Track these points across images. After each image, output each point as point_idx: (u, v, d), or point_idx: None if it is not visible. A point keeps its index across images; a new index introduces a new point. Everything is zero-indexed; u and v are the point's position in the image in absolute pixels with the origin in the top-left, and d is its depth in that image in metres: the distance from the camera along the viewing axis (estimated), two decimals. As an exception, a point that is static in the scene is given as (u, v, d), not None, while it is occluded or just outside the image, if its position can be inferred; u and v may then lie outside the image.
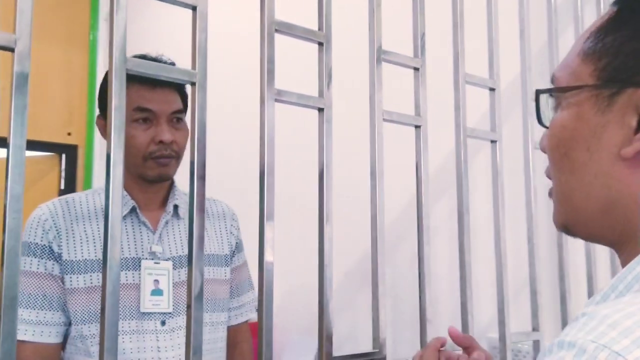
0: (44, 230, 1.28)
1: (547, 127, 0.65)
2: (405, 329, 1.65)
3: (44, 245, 1.28)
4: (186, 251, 1.39)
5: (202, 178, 0.80)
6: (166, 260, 1.36)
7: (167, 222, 1.39)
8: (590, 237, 0.63)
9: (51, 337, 1.27)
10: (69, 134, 3.74)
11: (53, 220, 1.29)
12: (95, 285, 1.28)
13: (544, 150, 0.66)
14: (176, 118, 1.35)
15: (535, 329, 1.24)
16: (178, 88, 1.37)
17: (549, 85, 0.65)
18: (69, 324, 1.28)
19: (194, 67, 0.82)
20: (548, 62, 1.39)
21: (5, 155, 0.65)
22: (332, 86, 0.95)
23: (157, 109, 1.27)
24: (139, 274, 1.34)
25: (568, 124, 0.59)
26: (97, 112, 1.41)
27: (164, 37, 2.29)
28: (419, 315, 1.04)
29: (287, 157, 1.84)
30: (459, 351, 0.95)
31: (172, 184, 1.43)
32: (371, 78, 1.01)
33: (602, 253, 1.46)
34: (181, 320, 1.35)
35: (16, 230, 0.64)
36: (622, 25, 0.57)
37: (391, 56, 1.03)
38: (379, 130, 1.00)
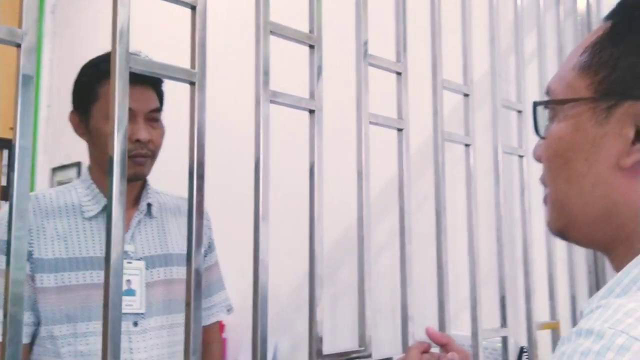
0: None
1: (543, 138, 0.68)
2: (381, 327, 1.68)
3: None
4: (158, 251, 1.37)
5: (201, 177, 0.80)
6: (138, 260, 1.34)
7: (139, 221, 1.37)
8: (584, 241, 0.66)
9: None
10: (12, 128, 3.59)
11: None
12: (66, 285, 1.25)
13: (539, 160, 0.69)
14: (153, 116, 1.33)
15: (503, 325, 1.29)
16: (155, 86, 1.35)
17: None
18: (38, 324, 1.24)
19: (192, 66, 0.81)
20: (514, 69, 1.45)
21: None
22: (322, 88, 0.96)
23: (135, 106, 1.25)
24: None
25: (566, 135, 0.63)
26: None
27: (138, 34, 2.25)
28: (401, 314, 1.06)
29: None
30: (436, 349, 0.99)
31: (145, 183, 1.41)
32: (358, 81, 1.03)
33: (561, 253, 1.54)
34: (154, 322, 1.33)
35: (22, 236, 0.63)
36: (618, 40, 0.61)
37: (376, 60, 1.06)
38: (366, 132, 1.02)
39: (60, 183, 3.40)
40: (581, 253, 1.61)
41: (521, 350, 1.27)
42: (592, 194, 0.61)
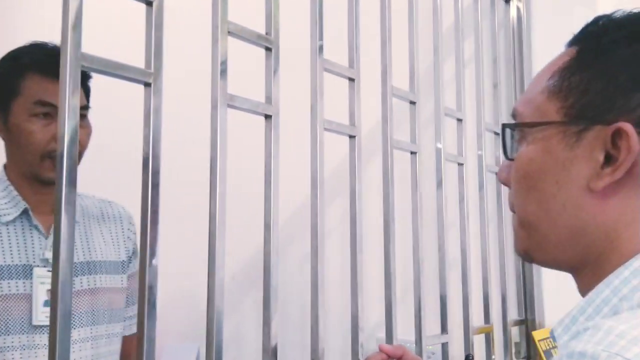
0: None
1: (510, 159, 0.68)
2: (295, 333, 1.66)
3: None
4: (81, 258, 1.29)
5: (156, 186, 0.75)
6: None
7: None
8: (551, 262, 0.67)
9: None
10: None
11: None
12: (6, 294, 1.15)
13: (505, 182, 0.69)
14: (80, 115, 1.25)
15: (444, 331, 1.31)
16: (82, 82, 1.27)
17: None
18: None
19: (148, 66, 0.76)
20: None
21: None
22: (279, 93, 0.93)
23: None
24: (31, 283, 1.22)
25: (536, 157, 0.63)
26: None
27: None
28: (351, 324, 1.05)
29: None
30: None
31: None
32: (313, 86, 1.00)
33: (494, 259, 1.58)
34: (77, 334, 1.25)
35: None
36: (588, 65, 0.62)
37: (331, 65, 1.03)
38: (320, 139, 0.99)
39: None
40: (511, 258, 1.66)
41: (467, 358, 1.29)
42: (562, 216, 0.62)
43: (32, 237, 1.25)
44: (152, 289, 0.73)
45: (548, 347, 1.51)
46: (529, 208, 0.65)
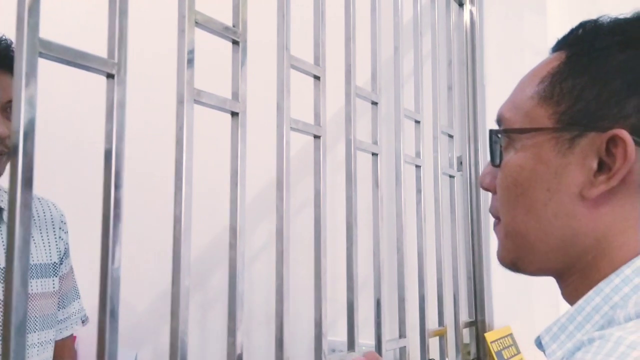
0: None
1: (497, 166, 0.66)
2: (261, 337, 1.61)
3: None
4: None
5: (119, 188, 0.69)
6: None
7: None
8: (536, 271, 0.65)
9: None
10: None
11: None
12: None
13: (488, 189, 0.68)
14: (10, 107, 1.16)
15: (402, 335, 1.29)
16: (11, 73, 1.18)
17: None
18: None
19: (111, 56, 0.70)
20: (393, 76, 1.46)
21: None
22: (247, 89, 0.88)
23: None
24: None
25: (527, 164, 0.62)
26: None
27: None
28: (315, 332, 1.01)
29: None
30: None
31: None
32: (279, 84, 0.96)
33: (447, 261, 1.58)
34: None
35: None
36: (581, 71, 0.60)
37: (298, 62, 1.00)
38: (287, 139, 0.95)
39: None
40: (462, 260, 1.67)
41: (429, 362, 1.28)
42: (553, 224, 0.61)
43: None
44: (114, 298, 0.68)
45: (500, 348, 1.52)
46: (517, 217, 0.63)
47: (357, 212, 1.15)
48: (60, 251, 1.36)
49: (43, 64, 0.62)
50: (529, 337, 0.65)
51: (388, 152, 1.32)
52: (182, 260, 0.76)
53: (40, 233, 1.32)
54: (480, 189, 1.70)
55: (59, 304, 1.37)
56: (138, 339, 2.07)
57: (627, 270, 0.57)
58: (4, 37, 1.16)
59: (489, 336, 1.52)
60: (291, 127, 0.97)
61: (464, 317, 1.65)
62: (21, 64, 0.60)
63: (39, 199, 1.37)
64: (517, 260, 0.65)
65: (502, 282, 1.72)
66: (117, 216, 0.68)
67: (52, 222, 1.36)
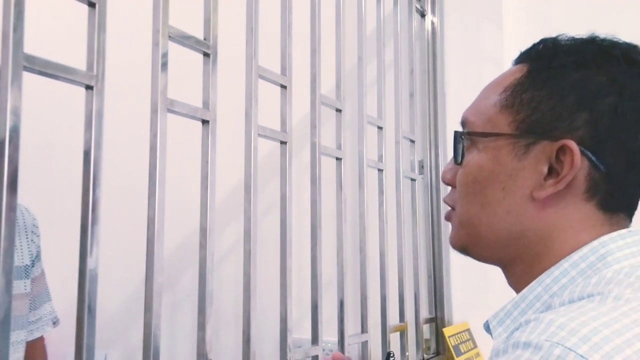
0: None
1: (458, 164, 0.73)
2: (229, 336, 1.66)
3: None
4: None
5: (97, 190, 0.74)
6: None
7: None
8: (485, 259, 0.73)
9: None
10: None
11: None
12: None
13: (450, 184, 0.75)
14: None
15: (364, 331, 1.36)
16: None
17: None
18: None
19: (90, 69, 0.75)
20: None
21: None
22: (217, 98, 0.94)
23: None
24: None
25: (486, 164, 0.69)
26: None
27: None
28: (280, 327, 1.07)
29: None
30: None
31: None
32: (248, 93, 1.02)
33: (408, 260, 1.66)
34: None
35: None
36: (539, 85, 0.67)
37: (265, 72, 1.05)
38: (255, 145, 1.01)
39: None
40: (423, 259, 1.75)
41: (388, 355, 1.35)
42: (505, 219, 0.68)
43: None
44: (92, 294, 0.72)
45: (457, 342, 1.60)
46: (472, 210, 0.70)
47: (322, 214, 1.22)
48: (32, 254, 1.39)
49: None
50: (486, 333, 0.72)
51: (351, 156, 1.39)
52: (155, 258, 0.81)
53: (18, 237, 1.35)
54: (441, 191, 1.79)
55: (31, 306, 1.39)
56: (107, 339, 2.09)
57: (565, 264, 0.64)
58: None
59: (447, 331, 1.60)
60: (259, 134, 1.02)
61: (425, 313, 1.73)
62: (7, 77, 0.64)
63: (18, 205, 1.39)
64: (466, 246, 0.72)
65: (461, 280, 1.81)
66: (95, 217, 0.73)
67: (25, 225, 1.39)
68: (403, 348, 1.55)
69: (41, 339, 1.47)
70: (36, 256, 1.41)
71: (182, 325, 1.95)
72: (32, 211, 1.43)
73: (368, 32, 1.45)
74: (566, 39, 0.69)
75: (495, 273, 0.75)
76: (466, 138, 0.71)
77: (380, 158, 1.49)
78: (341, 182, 1.29)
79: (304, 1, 1.22)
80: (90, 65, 0.75)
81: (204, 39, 0.94)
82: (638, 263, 0.62)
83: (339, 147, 1.30)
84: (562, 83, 0.66)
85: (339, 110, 1.31)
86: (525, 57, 0.71)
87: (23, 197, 1.42)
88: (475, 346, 1.68)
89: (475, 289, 1.78)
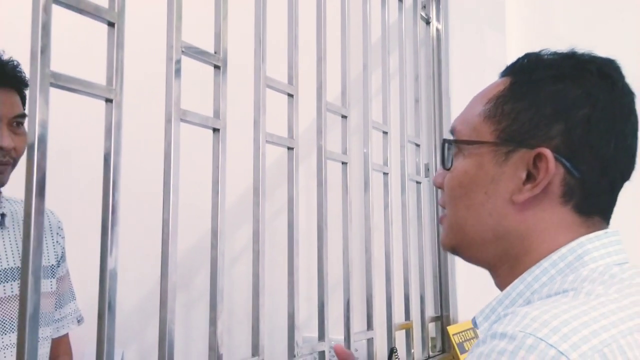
0: None
1: (447, 169, 0.79)
2: (242, 334, 1.72)
3: None
4: (11, 263, 1.30)
5: (116, 195, 0.80)
6: None
7: None
8: (472, 259, 0.78)
9: None
10: None
11: None
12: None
13: (440, 187, 0.80)
14: (17, 122, 1.26)
15: (370, 328, 1.42)
16: (19, 90, 1.28)
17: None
18: None
19: (110, 83, 0.81)
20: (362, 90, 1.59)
21: None
22: (227, 107, 1.00)
23: None
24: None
25: (470, 170, 0.74)
26: None
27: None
28: (288, 323, 1.13)
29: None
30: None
31: None
32: (256, 102, 1.08)
33: (414, 260, 1.71)
34: (7, 339, 1.27)
35: None
36: (519, 97, 0.73)
37: (273, 82, 1.11)
38: (263, 151, 1.07)
39: None
40: (429, 260, 1.80)
41: (392, 351, 1.41)
42: (488, 222, 0.73)
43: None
44: (112, 293, 0.79)
45: (461, 340, 1.65)
46: (459, 212, 0.76)
47: (328, 216, 1.27)
48: (57, 255, 1.46)
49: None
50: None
51: (357, 160, 1.44)
52: (169, 258, 0.87)
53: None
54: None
55: (56, 304, 1.46)
56: (124, 339, 2.16)
57: (545, 263, 0.70)
58: (11, 59, 1.26)
59: (452, 329, 1.65)
60: (267, 140, 1.08)
61: (430, 312, 1.78)
62: (35, 92, 0.71)
63: None
64: (455, 246, 0.78)
65: (465, 280, 1.85)
66: (115, 219, 0.80)
67: (50, 228, 1.46)
68: (409, 346, 1.60)
69: (66, 336, 1.53)
70: (61, 257, 1.47)
71: (196, 324, 2.01)
72: (57, 214, 1.50)
73: (373, 41, 1.51)
74: (548, 53, 0.75)
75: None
76: (454, 145, 0.77)
77: (385, 162, 1.55)
78: (347, 185, 1.35)
79: (310, 10, 1.28)
80: (109, 80, 0.81)
81: (215, 52, 1.00)
82: (613, 262, 0.67)
83: (344, 152, 1.36)
84: (540, 95, 0.71)
85: (344, 117, 1.36)
86: (509, 71, 0.76)
87: (48, 201, 1.50)
88: (480, 344, 1.72)
89: (480, 288, 1.82)
